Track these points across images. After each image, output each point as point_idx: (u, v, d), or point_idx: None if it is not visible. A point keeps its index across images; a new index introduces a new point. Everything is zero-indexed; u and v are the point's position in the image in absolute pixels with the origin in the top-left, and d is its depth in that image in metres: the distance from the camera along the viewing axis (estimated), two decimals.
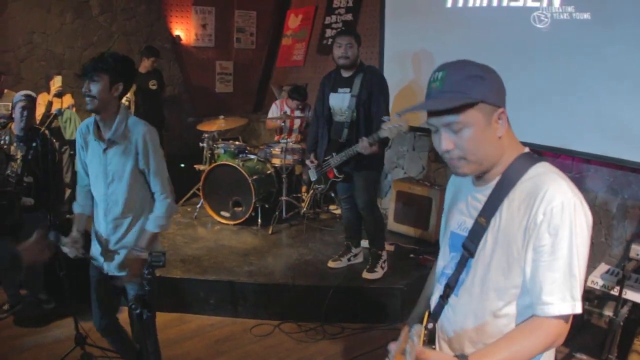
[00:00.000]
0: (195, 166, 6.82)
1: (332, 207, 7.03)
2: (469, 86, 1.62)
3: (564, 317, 1.62)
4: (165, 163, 3.15)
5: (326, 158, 4.90)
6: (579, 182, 5.52)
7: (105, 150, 2.99)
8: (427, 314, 1.94)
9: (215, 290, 4.87)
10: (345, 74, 4.87)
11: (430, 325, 1.87)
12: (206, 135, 6.74)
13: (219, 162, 6.32)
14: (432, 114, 1.67)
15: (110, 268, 3.19)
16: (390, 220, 6.42)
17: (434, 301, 1.93)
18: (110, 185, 3.05)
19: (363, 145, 4.54)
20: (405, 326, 1.98)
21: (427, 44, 6.37)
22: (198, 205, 6.56)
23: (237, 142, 6.82)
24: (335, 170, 4.84)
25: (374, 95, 4.77)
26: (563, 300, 1.59)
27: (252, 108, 8.99)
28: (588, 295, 5.07)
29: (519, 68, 5.56)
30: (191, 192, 6.97)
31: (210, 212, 6.41)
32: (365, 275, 4.98)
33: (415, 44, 6.54)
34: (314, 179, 5.16)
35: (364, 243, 5.43)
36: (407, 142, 7.00)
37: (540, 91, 5.48)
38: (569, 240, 1.59)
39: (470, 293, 1.78)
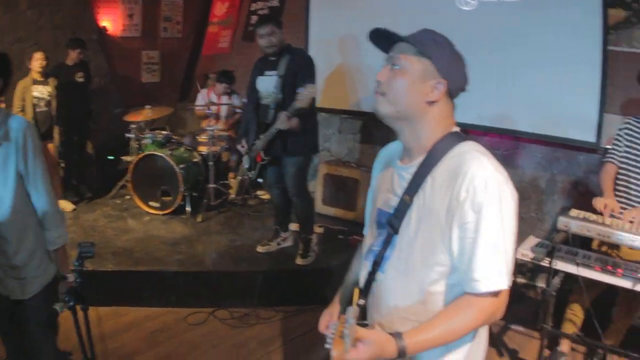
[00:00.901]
0: (122, 157, 6.75)
1: (259, 192, 7.08)
2: (427, 44, 1.72)
3: (495, 293, 1.64)
4: (45, 168, 2.74)
5: (254, 142, 4.96)
6: (508, 159, 5.69)
7: None
8: (357, 291, 1.96)
9: (148, 282, 4.88)
10: (272, 57, 4.92)
11: (362, 302, 1.90)
12: (133, 126, 6.68)
13: (146, 153, 6.28)
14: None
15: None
16: (318, 203, 6.51)
17: (362, 278, 1.94)
18: None
19: (281, 120, 4.64)
20: (336, 305, 2.08)
21: (353, 28, 6.41)
22: (127, 197, 6.50)
23: (164, 132, 6.77)
24: (262, 153, 4.90)
25: (299, 75, 4.80)
26: (490, 276, 1.62)
27: (179, 97, 8.89)
28: (521, 268, 5.19)
29: None
30: (120, 184, 6.86)
31: (139, 203, 6.36)
32: (299, 261, 5.11)
33: (341, 28, 6.62)
34: (246, 167, 5.17)
35: (292, 226, 5.53)
36: (334, 125, 7.12)
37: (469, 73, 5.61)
38: (494, 217, 1.61)
39: (396, 270, 1.80)
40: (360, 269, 2.00)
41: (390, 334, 1.63)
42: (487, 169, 1.63)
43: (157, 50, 8.53)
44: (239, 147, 5.15)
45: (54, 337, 2.90)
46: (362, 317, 1.89)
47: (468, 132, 5.72)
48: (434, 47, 1.72)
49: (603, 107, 5.05)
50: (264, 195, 6.98)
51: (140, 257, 5.09)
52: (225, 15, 8.42)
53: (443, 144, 1.73)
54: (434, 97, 1.72)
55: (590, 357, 4.49)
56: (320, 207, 6.50)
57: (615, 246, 3.97)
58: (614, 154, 4.12)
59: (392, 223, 1.80)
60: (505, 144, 5.77)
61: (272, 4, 7.74)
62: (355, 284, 2.03)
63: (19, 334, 2.81)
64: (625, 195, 4.00)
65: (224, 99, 6.93)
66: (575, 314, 4.23)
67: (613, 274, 3.49)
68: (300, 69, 4.83)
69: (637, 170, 3.98)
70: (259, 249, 5.33)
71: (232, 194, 6.63)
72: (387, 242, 1.82)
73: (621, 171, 4.08)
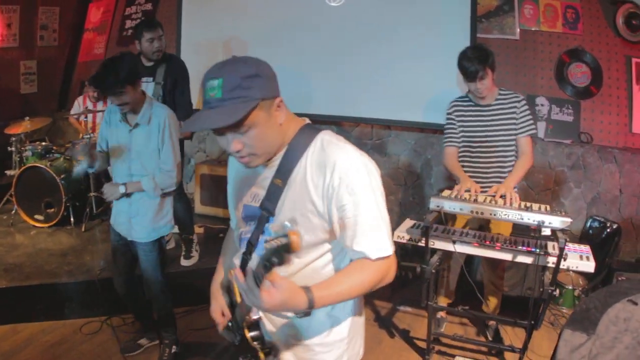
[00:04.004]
0: (6, 172, 6.71)
1: None
2: (247, 88, 1.66)
3: (382, 257, 1.81)
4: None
5: None
6: (380, 147, 5.96)
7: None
8: (231, 272, 1.95)
9: (41, 295, 4.89)
10: (147, 62, 4.94)
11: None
12: (14, 139, 6.63)
13: (27, 165, 6.29)
14: None
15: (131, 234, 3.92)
16: (197, 204, 6.72)
17: (237, 259, 2.03)
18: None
19: None
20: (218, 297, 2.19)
21: (225, 30, 6.57)
22: (12, 212, 6.50)
23: (43, 143, 6.78)
24: None
25: (178, 83, 4.94)
26: (378, 246, 1.80)
27: (57, 106, 8.81)
28: (404, 251, 5.33)
29: (315, 46, 5.92)
30: (5, 199, 6.78)
31: (25, 217, 6.39)
32: (183, 262, 5.29)
33: (213, 31, 6.74)
34: None
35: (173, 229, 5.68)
36: None
37: (337, 67, 5.82)
38: (368, 194, 1.77)
39: None
40: (234, 256, 2.10)
41: (301, 287, 1.69)
42: (352, 155, 1.80)
43: (34, 60, 8.35)
44: None
45: None
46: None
47: (340, 123, 6.09)
48: (251, 86, 1.68)
49: None
50: None
51: (31, 272, 5.09)
52: (100, 20, 8.44)
53: (302, 136, 1.86)
54: (283, 115, 1.81)
55: (482, 327, 4.81)
56: (199, 207, 6.70)
57: (486, 221, 4.25)
58: (451, 136, 4.30)
59: (266, 206, 1.87)
60: (377, 133, 6.05)
61: (145, 7, 7.88)
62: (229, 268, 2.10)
63: None
64: (481, 173, 4.24)
65: (100, 105, 6.91)
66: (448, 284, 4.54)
67: (492, 247, 3.74)
68: (179, 78, 4.96)
69: (482, 148, 4.19)
70: None
71: None
72: (261, 224, 1.90)
73: (468, 152, 4.27)
